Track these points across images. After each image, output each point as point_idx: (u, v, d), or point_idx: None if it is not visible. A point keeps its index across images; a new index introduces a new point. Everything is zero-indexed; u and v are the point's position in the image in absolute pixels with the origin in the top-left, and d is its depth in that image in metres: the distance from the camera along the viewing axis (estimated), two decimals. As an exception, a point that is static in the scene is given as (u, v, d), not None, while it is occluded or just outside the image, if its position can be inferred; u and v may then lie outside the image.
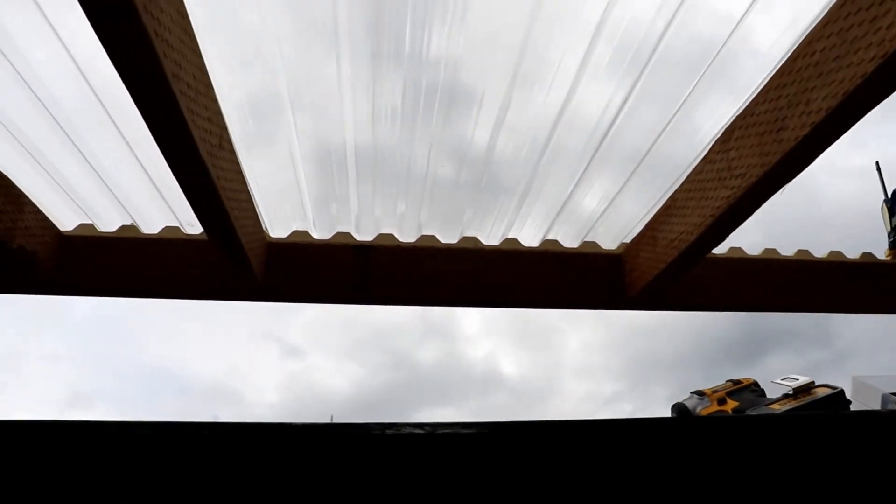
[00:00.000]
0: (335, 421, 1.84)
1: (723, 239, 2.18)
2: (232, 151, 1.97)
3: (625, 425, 1.84)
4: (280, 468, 1.62)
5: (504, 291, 2.61)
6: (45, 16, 1.76)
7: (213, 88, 1.78)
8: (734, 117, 1.99)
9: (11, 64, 1.88)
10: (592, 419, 1.83)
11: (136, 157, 2.21)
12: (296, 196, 2.41)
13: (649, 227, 2.49)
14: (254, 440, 1.63)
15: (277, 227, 2.50)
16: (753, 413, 2.88)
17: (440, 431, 1.70)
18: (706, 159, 2.12)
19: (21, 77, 1.94)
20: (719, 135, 2.06)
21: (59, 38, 1.83)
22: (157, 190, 2.31)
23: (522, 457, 1.72)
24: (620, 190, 2.46)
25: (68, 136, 2.13)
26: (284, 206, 2.44)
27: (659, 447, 1.76)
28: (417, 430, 1.70)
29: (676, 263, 2.29)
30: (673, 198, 2.32)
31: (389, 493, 1.64)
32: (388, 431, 1.69)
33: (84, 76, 1.94)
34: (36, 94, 1.99)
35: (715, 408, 2.94)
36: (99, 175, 2.27)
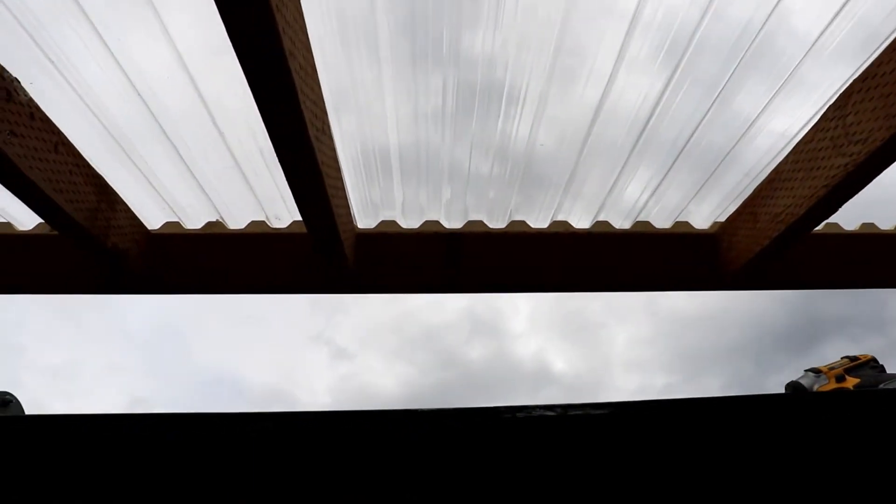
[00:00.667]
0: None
1: (834, 210, 2.09)
2: (331, 138, 1.93)
3: (752, 402, 1.77)
4: (411, 453, 1.57)
5: (596, 274, 2.53)
6: (157, 13, 1.73)
7: (317, 71, 1.73)
8: (851, 80, 1.91)
9: (109, 62, 1.86)
10: (718, 397, 1.76)
11: (227, 151, 2.17)
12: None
13: (748, 203, 2.40)
14: (384, 427, 1.58)
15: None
16: (888, 387, 2.76)
17: (571, 413, 1.64)
18: (817, 127, 2.03)
19: (113, 75, 1.92)
20: (832, 101, 1.98)
21: (167, 35, 1.80)
22: (248, 184, 2.27)
23: (652, 436, 1.65)
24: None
25: (164, 134, 2.10)
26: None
27: (790, 422, 1.69)
28: (548, 413, 1.64)
29: (780, 239, 2.21)
30: (776, 171, 2.24)
31: (523, 476, 1.58)
32: (518, 414, 1.63)
33: (181, 70, 1.91)
34: (125, 91, 1.97)
35: (833, 385, 2.83)
36: (190, 171, 2.24)
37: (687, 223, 2.64)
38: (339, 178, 2.07)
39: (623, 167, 2.35)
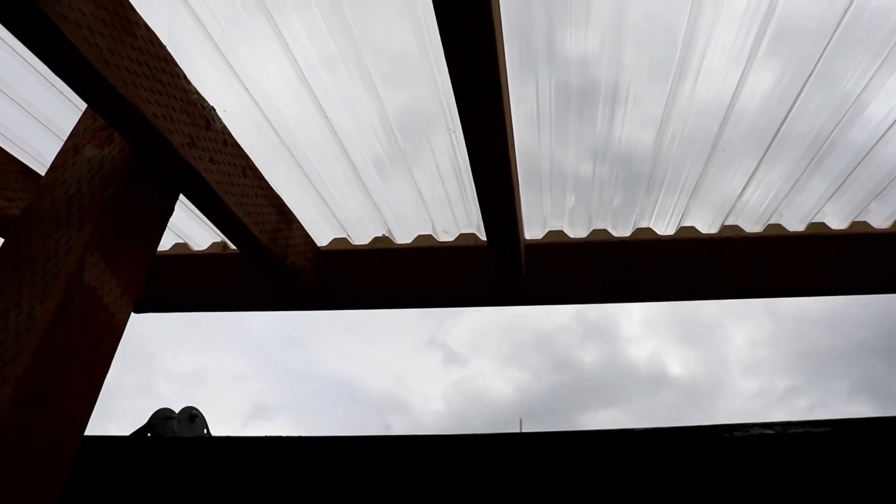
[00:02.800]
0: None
1: None
2: (513, 146, 1.91)
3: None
4: (634, 472, 1.53)
5: (773, 280, 2.43)
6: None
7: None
8: None
9: (293, 80, 1.89)
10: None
11: (405, 168, 2.18)
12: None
13: (940, 200, 2.24)
14: (604, 445, 1.55)
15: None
16: None
17: (791, 431, 1.57)
18: None
19: (291, 93, 1.96)
20: None
21: (351, 56, 1.81)
22: (421, 197, 2.27)
23: (877, 454, 1.56)
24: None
25: (341, 150, 2.12)
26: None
27: None
28: (767, 431, 1.57)
29: None
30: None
31: (741, 495, 1.52)
32: (736, 433, 1.57)
33: (360, 86, 1.92)
34: (302, 105, 2.00)
35: None
36: (364, 185, 2.26)
37: (866, 223, 2.49)
38: (518, 190, 2.05)
39: (755, 170, 2.23)
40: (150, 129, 1.51)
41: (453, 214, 2.33)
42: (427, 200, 2.29)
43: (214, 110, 1.80)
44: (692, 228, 2.43)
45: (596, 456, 1.57)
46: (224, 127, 1.85)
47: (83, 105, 1.90)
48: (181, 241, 2.52)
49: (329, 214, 2.38)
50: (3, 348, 1.28)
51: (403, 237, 2.45)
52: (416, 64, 1.84)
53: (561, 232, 2.41)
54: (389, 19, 1.76)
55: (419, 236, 2.44)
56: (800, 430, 1.53)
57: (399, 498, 2.07)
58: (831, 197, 2.36)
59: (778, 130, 2.08)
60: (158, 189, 1.69)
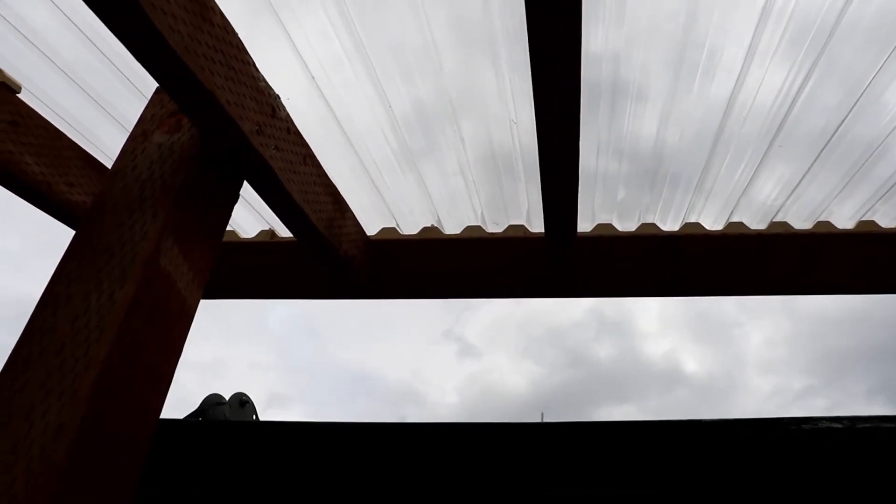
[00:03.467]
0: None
1: None
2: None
3: None
4: (699, 461, 1.53)
5: (820, 276, 2.42)
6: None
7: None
8: None
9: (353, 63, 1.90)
10: None
11: (456, 159, 2.19)
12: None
13: None
14: (670, 434, 1.55)
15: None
16: None
17: (859, 426, 1.57)
18: None
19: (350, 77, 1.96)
20: None
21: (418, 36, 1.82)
22: (472, 187, 2.28)
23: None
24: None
25: (392, 139, 2.13)
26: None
27: None
28: (835, 425, 1.57)
29: None
30: None
31: (807, 489, 1.52)
32: (804, 426, 1.57)
33: (416, 72, 1.93)
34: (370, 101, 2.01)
35: None
36: (418, 175, 2.26)
37: (873, 222, 2.47)
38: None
39: (758, 164, 2.22)
40: (224, 114, 1.52)
41: (505, 206, 2.33)
42: (478, 191, 2.29)
43: (279, 98, 1.81)
44: (741, 224, 2.42)
45: (658, 446, 1.57)
46: (287, 115, 1.86)
47: (131, 87, 1.92)
48: (230, 229, 2.53)
49: (381, 203, 2.38)
50: (87, 331, 1.29)
51: (453, 228, 2.45)
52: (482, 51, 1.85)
53: (610, 225, 2.41)
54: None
55: (468, 227, 2.44)
56: (868, 426, 1.53)
57: (425, 480, 2.10)
58: (883, 196, 2.34)
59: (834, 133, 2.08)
60: (226, 176, 1.70)
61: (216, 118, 1.53)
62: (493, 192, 2.29)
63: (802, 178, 2.24)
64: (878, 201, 2.37)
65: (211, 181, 1.65)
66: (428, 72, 1.95)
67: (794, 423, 1.53)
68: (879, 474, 1.51)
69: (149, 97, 1.77)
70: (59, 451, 1.15)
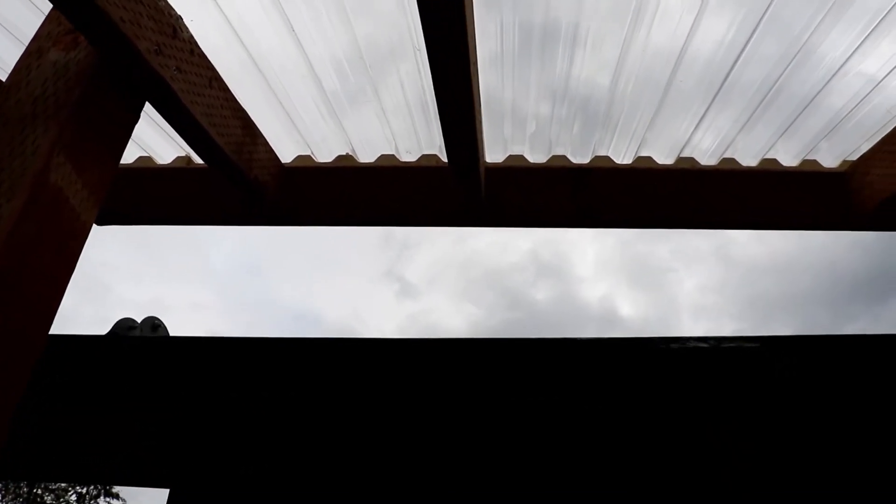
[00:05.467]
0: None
1: None
2: (478, 77, 1.94)
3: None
4: (569, 378, 1.61)
5: (722, 212, 2.51)
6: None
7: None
8: None
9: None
10: (874, 335, 1.76)
11: (371, 89, 2.21)
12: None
13: (886, 141, 2.33)
14: (538, 351, 1.63)
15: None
16: None
17: (724, 345, 1.67)
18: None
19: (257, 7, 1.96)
20: None
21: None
22: (384, 115, 2.30)
23: (802, 370, 1.66)
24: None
25: (303, 64, 2.14)
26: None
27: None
28: (702, 344, 1.67)
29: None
30: (926, 105, 2.16)
31: (673, 404, 1.62)
32: (672, 346, 1.66)
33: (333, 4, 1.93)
34: (273, 23, 2.01)
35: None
36: (329, 104, 2.28)
37: (816, 161, 2.57)
38: (480, 112, 2.08)
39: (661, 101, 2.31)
40: (117, 32, 1.52)
41: (417, 136, 2.37)
42: (391, 121, 2.32)
43: (181, 19, 1.80)
44: (649, 158, 2.50)
45: (538, 363, 1.65)
46: (191, 37, 1.85)
47: (45, 8, 1.89)
48: (146, 155, 2.53)
49: (294, 131, 2.40)
50: (-28, 243, 1.31)
51: (367, 157, 2.48)
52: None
53: (521, 157, 2.46)
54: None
55: (382, 156, 2.47)
56: (732, 345, 1.63)
57: (345, 397, 2.16)
58: (783, 134, 2.43)
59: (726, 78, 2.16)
60: (124, 95, 1.70)
61: (109, 36, 1.53)
62: (406, 123, 2.32)
63: (705, 113, 2.31)
64: (779, 139, 2.47)
65: (109, 100, 1.65)
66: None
67: (663, 342, 1.62)
68: (741, 388, 1.62)
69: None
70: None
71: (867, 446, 1.59)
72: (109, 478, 2.28)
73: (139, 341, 2.32)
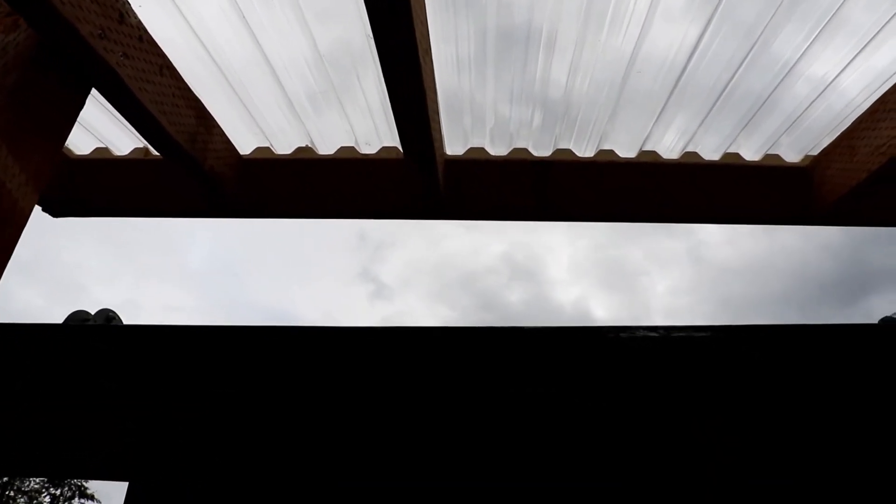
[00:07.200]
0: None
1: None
2: (431, 66, 1.92)
3: (857, 330, 1.75)
4: (516, 370, 1.59)
5: (686, 206, 2.50)
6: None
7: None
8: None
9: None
10: (824, 324, 1.75)
11: (322, 76, 2.18)
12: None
13: (845, 136, 2.33)
14: (486, 342, 1.61)
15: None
16: None
17: (674, 335, 1.65)
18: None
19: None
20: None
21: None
22: (342, 108, 2.28)
23: (754, 360, 1.65)
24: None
25: (262, 59, 2.11)
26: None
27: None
28: (652, 334, 1.65)
29: (881, 172, 2.15)
30: (882, 101, 2.16)
31: (623, 395, 1.60)
32: (622, 335, 1.64)
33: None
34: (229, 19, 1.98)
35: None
36: (285, 97, 2.25)
37: (778, 156, 2.57)
38: (436, 102, 2.06)
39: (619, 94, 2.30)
40: (56, 14, 1.49)
41: (376, 128, 2.34)
42: (349, 113, 2.29)
43: (129, 4, 1.77)
44: (611, 152, 2.49)
45: (486, 352, 1.63)
46: (140, 23, 1.82)
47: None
48: (102, 146, 2.49)
49: (252, 124, 2.37)
50: None
51: (326, 149, 2.45)
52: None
53: (482, 149, 2.44)
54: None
55: (342, 148, 2.45)
56: (682, 335, 1.62)
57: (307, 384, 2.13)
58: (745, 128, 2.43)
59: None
60: (67, 80, 1.67)
61: (48, 19, 1.50)
62: (364, 114, 2.30)
63: (663, 108, 2.30)
64: (740, 133, 2.46)
65: (50, 84, 1.62)
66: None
67: (612, 331, 1.61)
68: (689, 377, 1.60)
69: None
70: None
71: (824, 438, 1.58)
72: (62, 471, 2.24)
73: (91, 330, 2.27)
